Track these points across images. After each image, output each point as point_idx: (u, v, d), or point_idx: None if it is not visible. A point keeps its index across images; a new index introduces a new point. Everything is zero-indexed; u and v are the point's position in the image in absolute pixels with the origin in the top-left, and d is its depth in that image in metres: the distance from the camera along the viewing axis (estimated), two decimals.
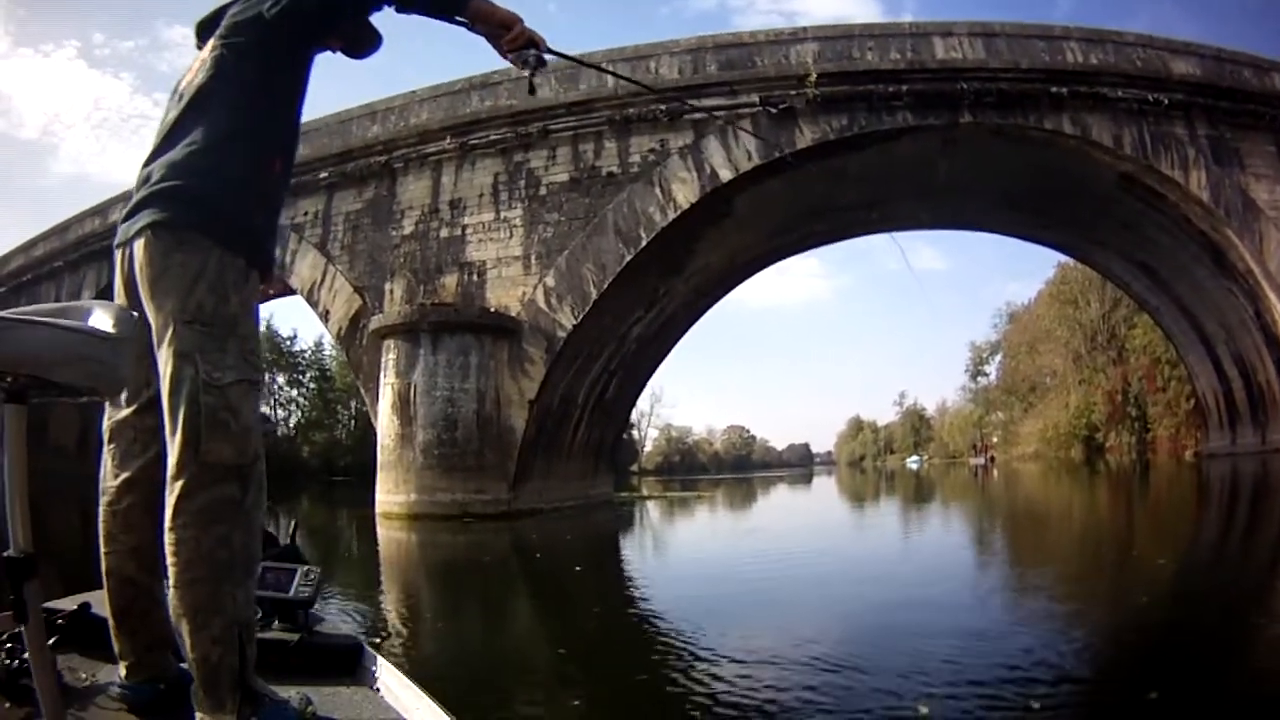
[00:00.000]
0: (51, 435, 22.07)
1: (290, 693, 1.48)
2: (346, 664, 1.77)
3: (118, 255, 1.56)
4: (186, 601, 1.36)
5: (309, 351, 54.77)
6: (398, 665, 1.74)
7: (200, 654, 1.35)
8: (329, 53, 1.75)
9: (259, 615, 1.83)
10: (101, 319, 1.23)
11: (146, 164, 1.56)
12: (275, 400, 52.06)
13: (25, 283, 24.59)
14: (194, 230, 1.46)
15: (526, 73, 1.84)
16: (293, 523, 2.67)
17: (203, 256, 1.45)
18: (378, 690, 1.65)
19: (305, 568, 1.99)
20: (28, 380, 1.12)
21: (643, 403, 70.43)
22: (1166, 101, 15.52)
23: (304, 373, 54.56)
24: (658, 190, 15.17)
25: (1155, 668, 3.52)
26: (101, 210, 22.65)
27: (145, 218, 1.47)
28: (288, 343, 53.41)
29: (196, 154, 1.50)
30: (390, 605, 6.14)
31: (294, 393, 54.26)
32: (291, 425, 52.27)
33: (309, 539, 10.99)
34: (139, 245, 1.47)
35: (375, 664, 1.74)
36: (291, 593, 1.91)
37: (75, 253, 22.99)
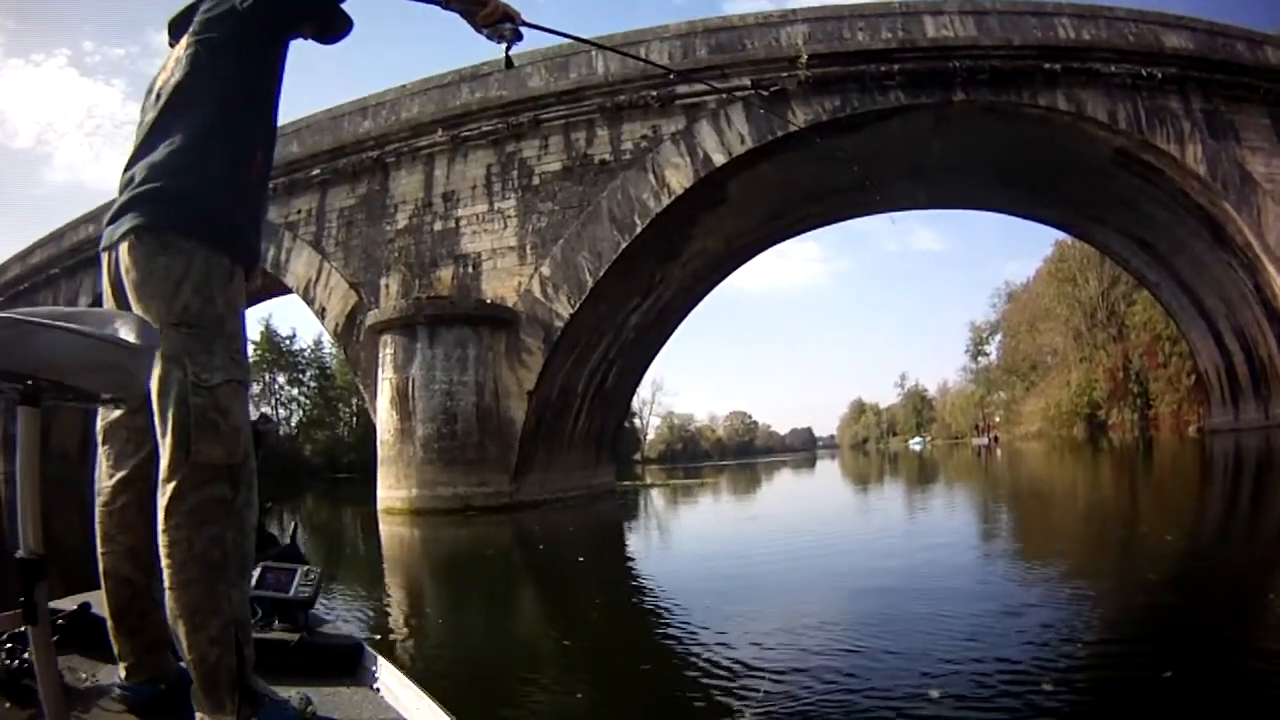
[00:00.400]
0: (53, 439, 22.04)
1: (290, 693, 1.47)
2: (346, 664, 1.76)
3: (104, 259, 1.55)
4: (182, 602, 1.36)
5: (308, 350, 54.57)
6: (401, 662, 1.74)
7: (198, 654, 1.35)
8: (300, 40, 1.73)
9: (259, 615, 1.83)
10: (123, 328, 1.23)
11: (128, 167, 1.55)
12: (276, 400, 52.00)
13: (23, 291, 24.59)
14: (177, 231, 1.46)
15: (503, 47, 1.85)
16: (293, 523, 2.67)
17: (186, 258, 1.45)
18: (378, 690, 1.65)
19: (305, 568, 1.99)
20: (45, 384, 1.12)
21: (644, 391, 70.54)
22: (1160, 76, 15.49)
23: (304, 371, 54.36)
24: (651, 176, 15.12)
25: (1168, 646, 3.51)
26: (96, 217, 22.57)
27: (128, 221, 1.46)
28: (287, 342, 53.22)
29: (176, 153, 1.49)
30: (393, 602, 6.16)
31: (295, 392, 54.13)
32: (293, 424, 52.21)
33: (312, 538, 11.03)
34: (123, 249, 1.47)
35: (375, 664, 1.74)
36: (291, 593, 1.91)
37: (71, 259, 23.07)
